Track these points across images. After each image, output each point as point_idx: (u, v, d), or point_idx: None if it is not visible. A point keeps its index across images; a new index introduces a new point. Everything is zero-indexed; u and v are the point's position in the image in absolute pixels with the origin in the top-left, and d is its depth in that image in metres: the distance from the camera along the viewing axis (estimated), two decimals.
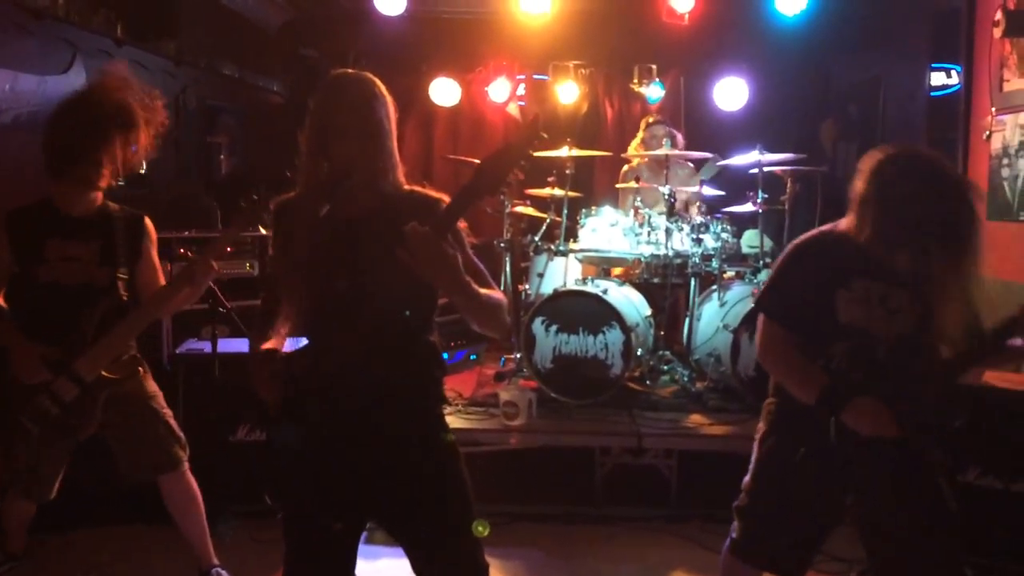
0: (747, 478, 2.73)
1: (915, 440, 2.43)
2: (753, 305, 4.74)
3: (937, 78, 5.81)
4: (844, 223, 2.53)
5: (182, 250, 3.72)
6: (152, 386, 3.39)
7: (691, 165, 6.28)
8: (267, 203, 2.80)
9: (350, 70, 2.26)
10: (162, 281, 3.38)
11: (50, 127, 3.14)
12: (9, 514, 3.35)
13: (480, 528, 2.18)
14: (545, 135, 1.98)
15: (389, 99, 2.23)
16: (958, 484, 3.59)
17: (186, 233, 4.81)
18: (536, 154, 2.07)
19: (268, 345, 2.18)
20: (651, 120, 6.35)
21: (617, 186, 6.31)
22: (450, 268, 1.96)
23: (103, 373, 3.15)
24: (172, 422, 3.39)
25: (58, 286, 3.13)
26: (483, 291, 2.10)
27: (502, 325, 2.19)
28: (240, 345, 4.17)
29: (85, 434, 3.24)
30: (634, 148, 6.31)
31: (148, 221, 3.38)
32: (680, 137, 6.35)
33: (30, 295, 3.15)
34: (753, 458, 2.72)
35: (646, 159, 6.25)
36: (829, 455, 2.49)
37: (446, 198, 2.19)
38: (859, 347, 2.46)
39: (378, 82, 2.23)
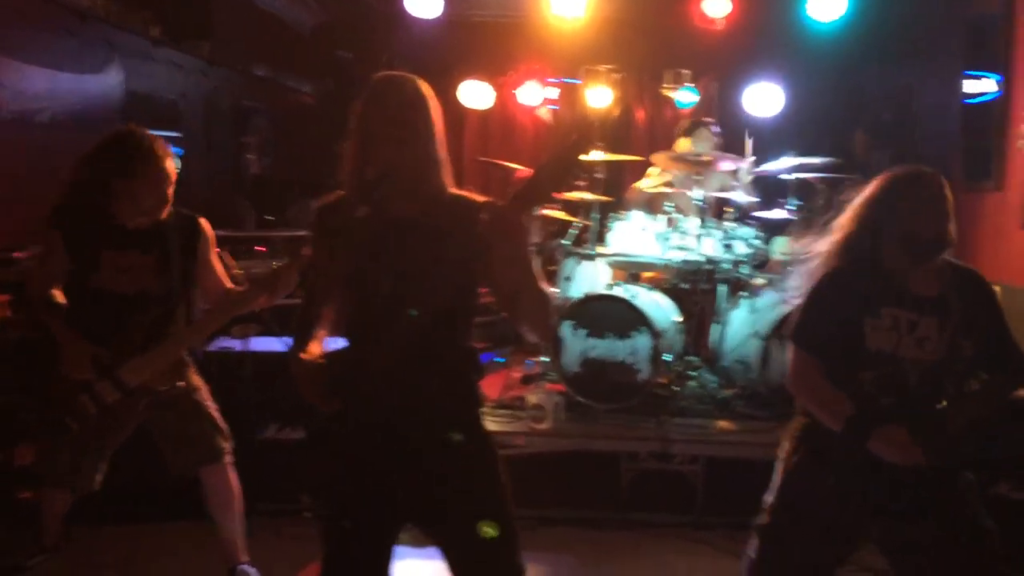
0: (769, 497, 2.71)
1: (941, 466, 2.42)
2: (784, 314, 4.71)
3: (971, 86, 5.75)
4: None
5: (215, 250, 3.74)
6: (196, 379, 3.41)
7: (723, 169, 6.22)
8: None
9: (396, 72, 2.25)
10: (227, 281, 3.40)
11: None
12: (47, 507, 3.39)
13: (488, 530, 2.16)
14: (598, 141, 2.00)
15: (435, 101, 2.22)
16: (990, 498, 3.54)
17: (219, 233, 4.85)
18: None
19: (311, 353, 2.19)
20: (701, 120, 6.27)
21: (645, 188, 6.27)
22: (524, 244, 2.00)
23: (147, 382, 3.17)
24: (216, 415, 3.41)
25: (113, 294, 3.18)
26: (543, 283, 2.11)
27: (548, 320, 2.19)
28: (270, 344, 4.21)
29: (123, 436, 3.28)
30: (684, 145, 6.18)
31: (204, 222, 3.39)
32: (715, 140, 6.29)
33: (85, 300, 3.19)
34: (776, 478, 2.71)
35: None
36: (855, 480, 2.48)
37: (492, 202, 2.19)
38: (890, 374, 2.47)
39: (424, 84, 2.22)
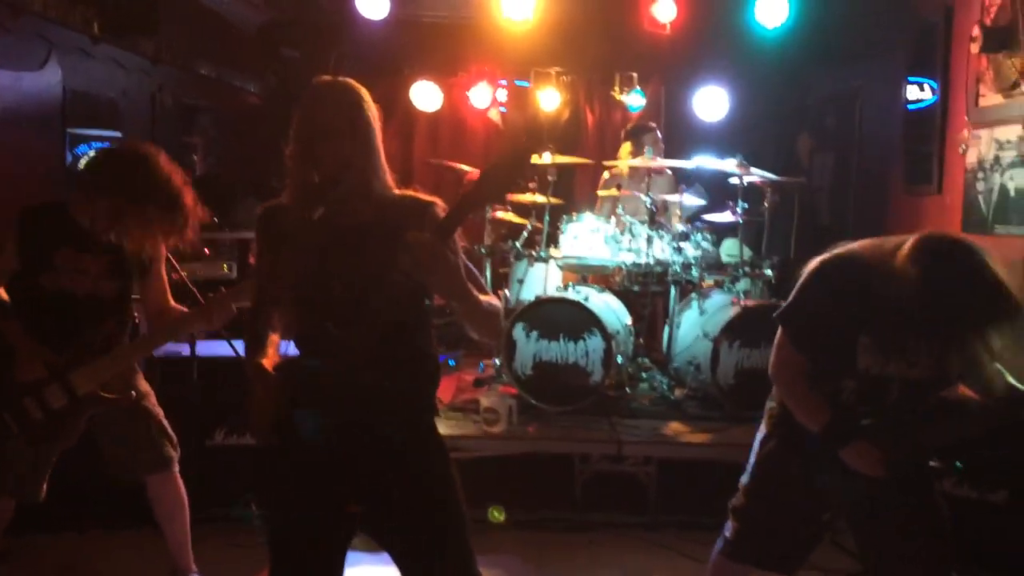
0: (744, 478, 2.77)
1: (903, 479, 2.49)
2: (733, 315, 4.77)
3: (913, 92, 5.88)
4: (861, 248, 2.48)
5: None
6: (144, 385, 3.35)
7: (669, 172, 6.29)
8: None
9: (333, 77, 2.24)
10: (169, 296, 3.35)
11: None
12: None
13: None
14: (548, 143, 1.99)
15: (373, 105, 2.22)
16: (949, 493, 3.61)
17: None
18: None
19: (268, 360, 2.16)
20: (643, 125, 6.34)
21: (598, 192, 6.31)
22: (452, 274, 1.98)
23: (97, 390, 3.09)
24: (164, 421, 3.34)
25: (64, 294, 3.09)
26: (483, 297, 2.12)
27: (498, 330, 2.21)
28: (218, 347, 4.12)
29: (66, 444, 3.18)
30: (626, 152, 6.25)
31: None
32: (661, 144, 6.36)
33: (33, 299, 3.10)
34: (752, 459, 2.76)
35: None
36: (824, 472, 2.54)
37: (439, 202, 2.19)
38: (871, 388, 2.49)
39: (362, 88, 2.22)
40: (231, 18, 7.95)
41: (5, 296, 3.13)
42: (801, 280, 2.56)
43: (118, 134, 5.81)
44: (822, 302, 2.50)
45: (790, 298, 2.59)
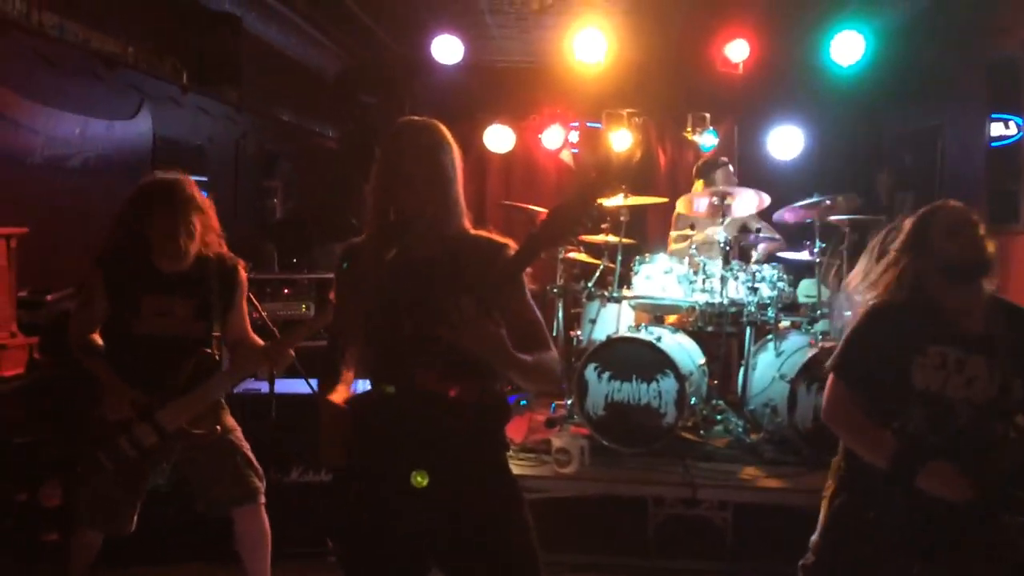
0: (815, 537, 2.70)
1: (992, 505, 2.40)
2: (811, 357, 4.67)
3: (996, 129, 5.73)
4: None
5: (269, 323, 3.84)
6: (230, 420, 3.43)
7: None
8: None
9: (417, 118, 2.28)
10: (248, 328, 3.45)
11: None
12: (76, 548, 3.36)
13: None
14: (618, 184, 2.00)
15: (455, 146, 2.25)
16: None
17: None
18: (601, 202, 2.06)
19: (338, 396, 2.19)
20: (714, 160, 6.29)
21: (671, 233, 6.28)
22: (495, 348, 1.99)
23: (184, 426, 3.19)
24: (250, 455, 3.41)
25: (152, 338, 3.21)
26: (533, 358, 2.10)
27: (554, 382, 2.20)
28: (296, 385, 4.21)
29: (156, 480, 3.28)
30: (697, 190, 6.22)
31: (242, 270, 3.43)
32: (734, 178, 6.29)
33: (124, 344, 3.23)
34: (821, 516, 2.69)
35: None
36: (900, 517, 2.46)
37: (512, 244, 2.20)
38: (938, 413, 2.46)
39: (444, 129, 2.26)
40: (310, 66, 8.24)
41: (99, 341, 3.26)
42: (851, 326, 2.66)
43: (204, 179, 6.04)
44: (868, 340, 2.59)
45: (841, 346, 2.66)
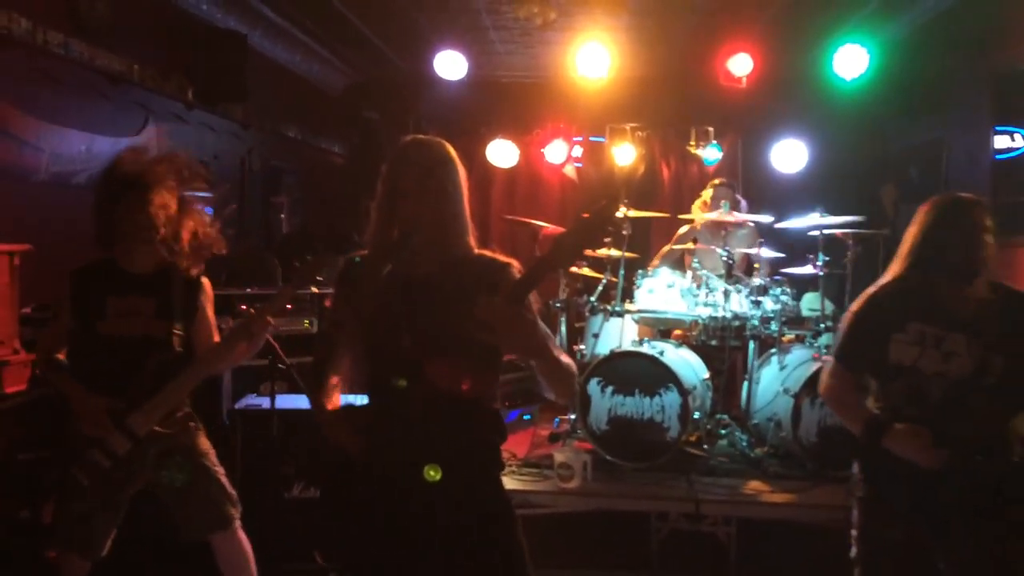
0: (853, 531, 2.82)
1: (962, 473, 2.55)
2: (815, 371, 4.65)
3: (1001, 141, 5.73)
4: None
5: (243, 306, 3.81)
6: (205, 443, 3.40)
7: (751, 226, 6.22)
8: (323, 262, 2.89)
9: (421, 135, 2.30)
10: (217, 338, 3.42)
11: (93, 202, 3.25)
12: (64, 572, 3.36)
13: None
14: (624, 207, 2.00)
15: (459, 163, 2.25)
16: None
17: (248, 290, 4.90)
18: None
19: (332, 402, 2.19)
20: (717, 182, 6.31)
21: (672, 247, 6.28)
22: (530, 335, 1.97)
23: (156, 428, 3.17)
24: (224, 480, 3.38)
25: (118, 338, 3.19)
26: (561, 356, 2.10)
27: (572, 390, 2.19)
28: (297, 401, 4.21)
29: (133, 489, 3.25)
30: (697, 208, 6.26)
31: (205, 279, 3.43)
32: (744, 203, 6.30)
33: (92, 348, 3.21)
34: (854, 511, 2.82)
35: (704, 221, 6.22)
36: (901, 490, 2.63)
37: (515, 263, 2.21)
38: (913, 386, 2.64)
39: (448, 146, 2.27)
40: (316, 83, 8.29)
41: (64, 359, 3.25)
42: (850, 313, 2.87)
43: (210, 195, 6.06)
44: (861, 322, 2.78)
45: (840, 334, 2.88)
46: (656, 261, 6.10)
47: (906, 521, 2.64)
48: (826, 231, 5.30)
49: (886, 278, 2.82)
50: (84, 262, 3.30)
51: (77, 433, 3.11)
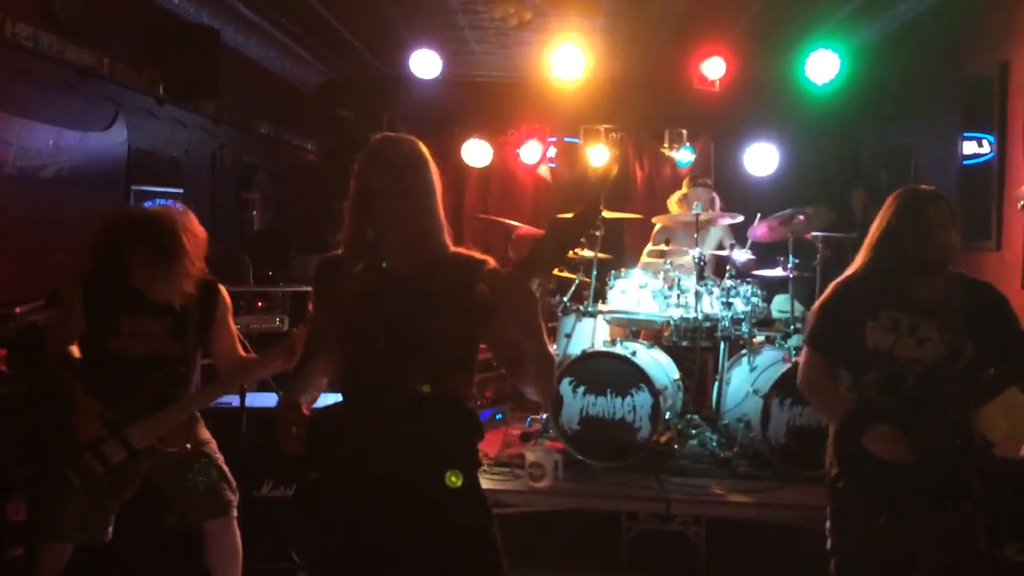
0: (827, 523, 2.86)
1: (931, 464, 2.60)
2: (784, 372, 4.70)
3: (969, 147, 5.81)
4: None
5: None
6: (205, 433, 3.42)
7: (725, 226, 6.27)
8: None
9: (393, 134, 2.28)
10: (238, 347, 3.42)
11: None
12: (44, 562, 3.31)
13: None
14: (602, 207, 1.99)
15: (431, 162, 2.24)
16: (997, 561, 3.50)
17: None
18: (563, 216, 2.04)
19: (296, 401, 2.17)
20: (697, 181, 6.34)
21: (648, 248, 6.31)
22: (531, 305, 1.91)
23: (155, 444, 3.17)
24: (224, 467, 3.39)
25: (126, 356, 3.19)
26: (550, 344, 2.09)
27: (553, 385, 2.18)
28: (268, 399, 4.18)
29: (125, 495, 3.25)
30: (673, 203, 6.30)
31: (222, 289, 3.41)
32: (718, 201, 6.34)
33: (99, 360, 3.22)
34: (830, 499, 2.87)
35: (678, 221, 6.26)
36: (872, 480, 2.68)
37: (491, 260, 2.20)
38: (889, 376, 2.69)
39: (420, 145, 2.25)
40: (289, 80, 8.24)
41: (77, 353, 3.25)
42: (819, 302, 2.93)
43: (180, 191, 6.01)
44: (831, 309, 2.84)
45: (810, 322, 2.94)
46: (645, 259, 6.13)
47: (880, 509, 2.68)
48: (795, 234, 5.35)
49: (851, 269, 2.88)
50: (94, 270, 3.25)
51: (74, 433, 3.10)
